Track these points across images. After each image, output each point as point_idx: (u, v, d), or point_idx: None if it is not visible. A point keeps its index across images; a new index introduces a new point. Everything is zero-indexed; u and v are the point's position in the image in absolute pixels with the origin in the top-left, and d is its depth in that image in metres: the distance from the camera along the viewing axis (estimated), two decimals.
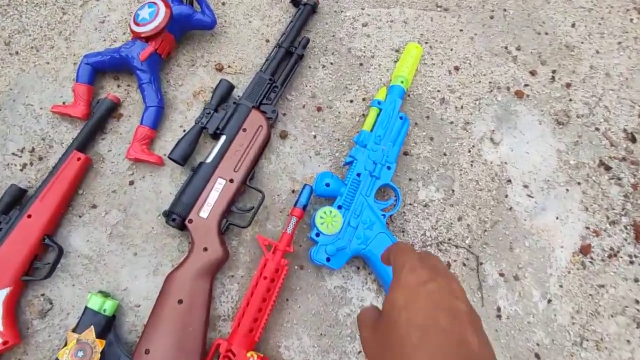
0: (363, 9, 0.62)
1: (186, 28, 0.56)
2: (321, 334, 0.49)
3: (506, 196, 0.55)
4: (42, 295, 0.48)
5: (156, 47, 0.53)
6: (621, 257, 0.54)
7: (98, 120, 0.53)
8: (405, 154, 0.56)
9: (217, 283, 0.50)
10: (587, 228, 0.55)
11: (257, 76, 0.55)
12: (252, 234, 0.51)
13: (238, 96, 0.55)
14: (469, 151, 0.56)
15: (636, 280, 0.53)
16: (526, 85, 0.60)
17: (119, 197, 0.52)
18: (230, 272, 0.50)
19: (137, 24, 0.52)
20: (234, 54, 0.59)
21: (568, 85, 0.60)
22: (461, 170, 0.56)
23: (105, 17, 0.59)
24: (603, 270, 0.53)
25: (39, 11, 0.59)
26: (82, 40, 0.58)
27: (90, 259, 0.49)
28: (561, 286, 0.52)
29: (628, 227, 0.55)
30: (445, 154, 0.56)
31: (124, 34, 0.59)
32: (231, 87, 0.55)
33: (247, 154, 0.51)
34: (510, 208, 0.55)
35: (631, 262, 0.54)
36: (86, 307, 0.45)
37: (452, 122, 0.58)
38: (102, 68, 0.54)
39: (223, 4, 0.62)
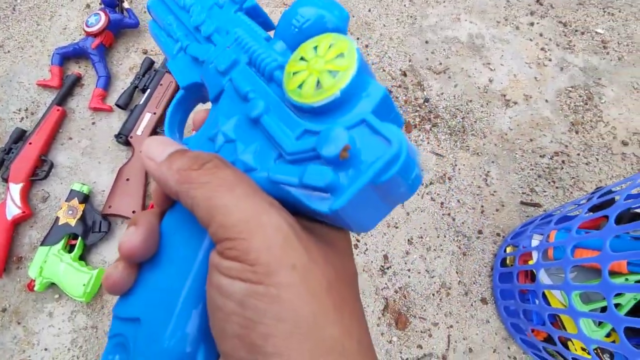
0: None
1: (120, 28, 0.90)
2: None
3: None
4: (42, 189, 0.79)
5: (101, 40, 0.86)
6: None
7: (68, 88, 0.85)
8: None
9: None
10: None
11: None
12: None
13: (156, 67, 0.89)
14: None
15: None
16: None
17: (86, 131, 0.84)
18: None
19: (87, 26, 0.85)
20: (153, 42, 0.93)
21: (367, 46, 0.98)
22: None
23: (66, 25, 0.92)
24: None
25: (21, 24, 0.91)
26: (52, 41, 0.90)
27: (70, 167, 0.81)
28: None
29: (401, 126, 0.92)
30: None
31: (80, 35, 0.91)
32: (152, 62, 0.88)
33: (163, 98, 0.85)
34: None
35: None
36: (71, 189, 0.77)
37: None
38: (67, 55, 0.87)
39: (145, 12, 0.96)
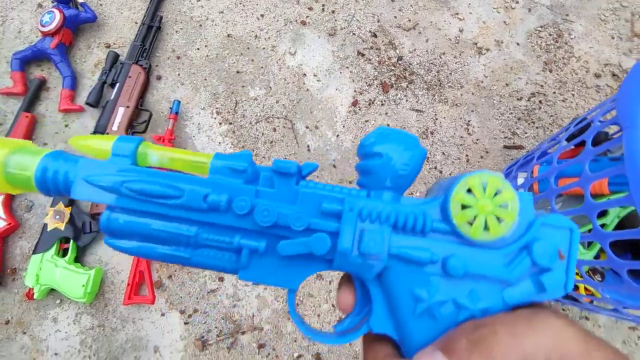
0: None
1: (77, 24, 0.86)
2: None
3: (304, 83, 0.91)
4: (25, 198, 0.77)
5: (60, 39, 0.83)
6: (376, 103, 0.91)
7: (33, 93, 0.82)
8: (238, 72, 0.89)
9: None
10: (355, 91, 0.91)
11: (132, 45, 0.86)
12: (149, 137, 0.83)
13: (122, 60, 0.86)
14: (277, 62, 0.91)
15: (386, 114, 0.90)
16: (307, 17, 0.95)
17: (60, 135, 0.82)
18: None
19: (42, 26, 0.82)
20: (116, 35, 0.90)
21: (333, 12, 0.96)
22: (273, 74, 0.90)
23: (20, 28, 0.88)
24: (367, 112, 0.90)
25: None
26: (8, 47, 0.87)
27: None
28: (344, 126, 0.89)
29: (378, 86, 0.92)
30: (262, 67, 0.91)
31: (36, 37, 0.88)
32: (117, 55, 0.86)
33: (134, 90, 0.83)
34: (307, 89, 0.90)
35: (382, 105, 0.91)
36: None
37: (264, 48, 0.92)
38: (27, 59, 0.84)
39: (101, 4, 0.92)
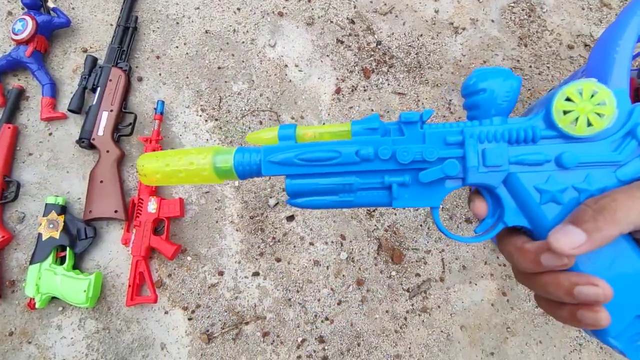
0: None
1: (51, 29, 0.85)
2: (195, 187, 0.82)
3: (286, 75, 0.91)
4: (16, 210, 0.77)
5: (35, 46, 0.82)
6: (359, 89, 0.92)
7: (13, 103, 0.81)
8: (219, 68, 0.89)
9: (126, 171, 0.81)
10: (337, 79, 0.92)
11: (109, 47, 0.86)
12: (136, 139, 0.83)
13: (100, 64, 0.85)
14: (258, 55, 0.91)
15: (370, 99, 0.92)
16: (284, 7, 0.96)
17: (45, 143, 0.81)
18: (130, 163, 0.82)
19: (15, 34, 0.80)
20: (91, 38, 0.89)
21: (309, 0, 0.97)
22: (255, 68, 0.91)
23: None
24: (350, 99, 0.91)
25: None
26: None
27: (39, 183, 0.79)
28: (329, 114, 0.90)
29: (359, 72, 0.93)
30: (243, 61, 0.91)
31: (10, 46, 0.86)
32: (95, 59, 0.85)
33: (116, 94, 0.82)
34: (290, 80, 0.91)
35: (365, 90, 0.92)
36: (46, 204, 0.75)
37: (243, 42, 0.92)
38: (2, 69, 0.82)
39: (73, 8, 0.91)
